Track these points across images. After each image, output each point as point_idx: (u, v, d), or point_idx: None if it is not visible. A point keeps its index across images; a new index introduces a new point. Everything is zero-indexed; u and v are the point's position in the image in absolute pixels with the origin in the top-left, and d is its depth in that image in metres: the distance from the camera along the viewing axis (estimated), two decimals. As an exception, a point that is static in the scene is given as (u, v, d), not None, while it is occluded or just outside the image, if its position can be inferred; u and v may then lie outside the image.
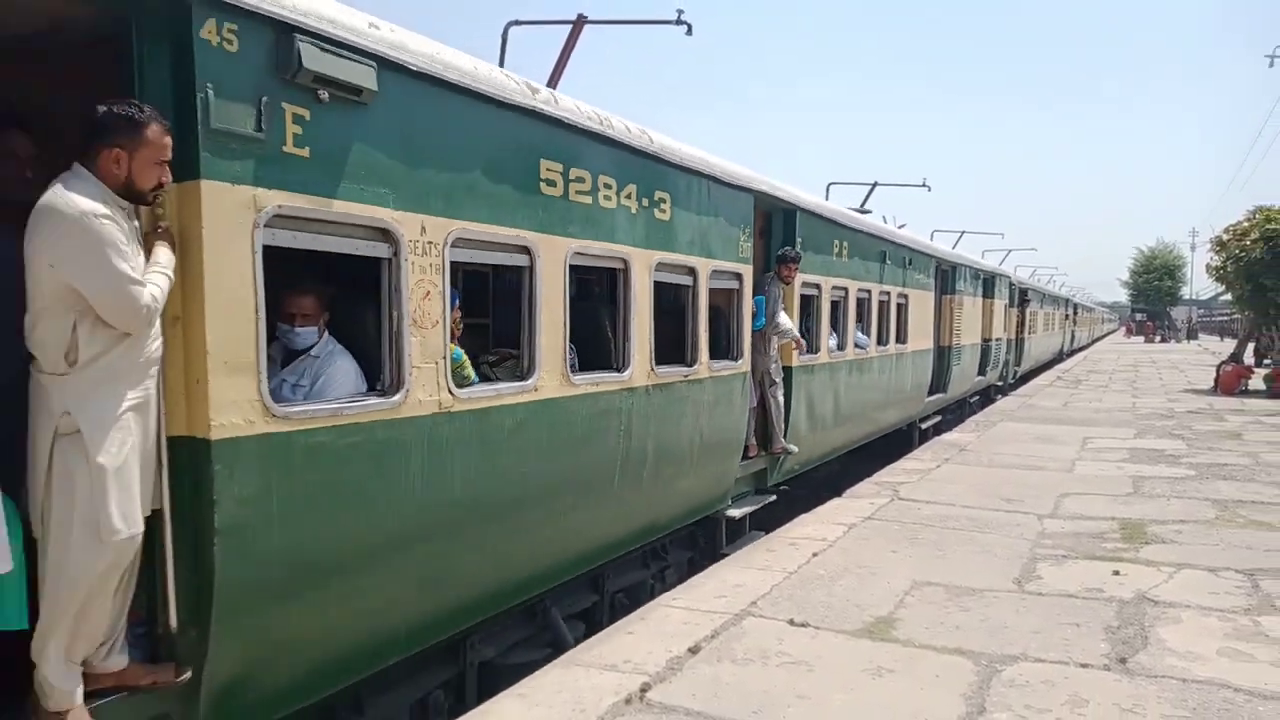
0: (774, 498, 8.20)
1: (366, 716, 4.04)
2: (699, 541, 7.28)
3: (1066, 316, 39.96)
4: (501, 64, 8.24)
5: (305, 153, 3.30)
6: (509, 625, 5.09)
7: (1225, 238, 21.54)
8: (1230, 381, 20.25)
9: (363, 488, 3.64)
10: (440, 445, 4.00)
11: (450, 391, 4.04)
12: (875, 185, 21.97)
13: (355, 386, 3.77)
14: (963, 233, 31.24)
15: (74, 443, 2.70)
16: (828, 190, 20.92)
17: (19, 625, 2.75)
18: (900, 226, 13.93)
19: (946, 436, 12.90)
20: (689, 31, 8.39)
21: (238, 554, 3.12)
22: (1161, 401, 18.04)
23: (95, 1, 2.94)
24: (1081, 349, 47.57)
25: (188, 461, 3.04)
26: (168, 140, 2.83)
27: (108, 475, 2.71)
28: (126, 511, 2.77)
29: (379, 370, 3.81)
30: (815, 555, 6.26)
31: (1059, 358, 35.87)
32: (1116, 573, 5.80)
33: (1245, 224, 21.32)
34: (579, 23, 7.66)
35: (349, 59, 3.41)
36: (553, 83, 7.80)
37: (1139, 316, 74.14)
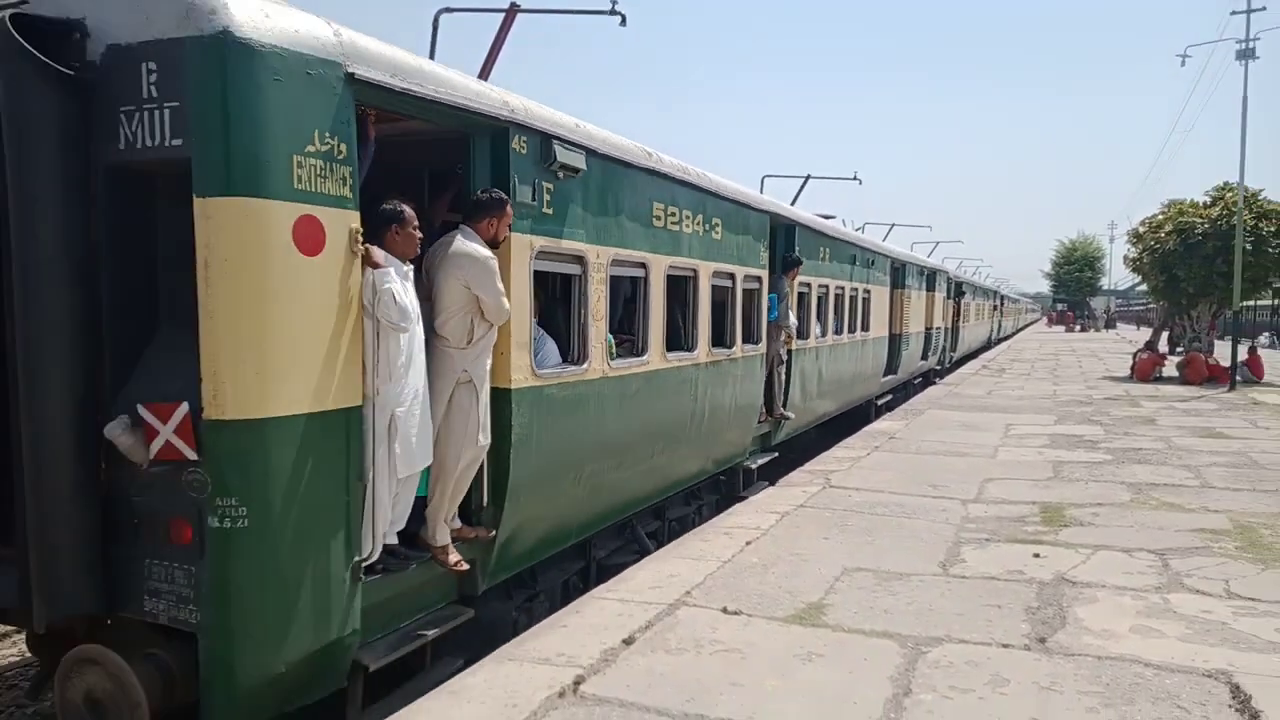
0: (776, 454, 9.94)
1: (539, 585, 5.75)
2: (721, 488, 8.88)
3: (995, 307, 43.87)
4: (432, 54, 8.11)
5: (551, 212, 5.15)
6: (608, 536, 6.70)
7: (1141, 230, 22.39)
8: (1145, 369, 21.07)
9: (568, 423, 5.42)
10: (602, 399, 5.82)
11: (608, 363, 5.89)
12: (808, 178, 22.19)
13: (557, 359, 5.44)
14: (892, 225, 31.78)
15: (468, 389, 4.42)
16: (762, 183, 21.37)
17: (422, 493, 4.40)
18: (828, 219, 14.35)
19: (877, 425, 13.17)
20: (623, 22, 8.36)
21: (520, 460, 4.89)
22: (1081, 389, 18.69)
23: (461, 124, 4.62)
24: (1007, 337, 50.73)
25: (498, 403, 4.69)
26: (510, 212, 4.59)
27: (483, 408, 4.48)
28: (487, 430, 4.52)
29: (568, 349, 5.57)
30: (749, 544, 6.33)
31: (988, 345, 39.13)
32: (1037, 555, 6.01)
33: (1160, 217, 22.19)
34: (511, 11, 7.57)
35: (574, 150, 5.28)
36: (484, 74, 7.70)
37: (1060, 307, 76.68)
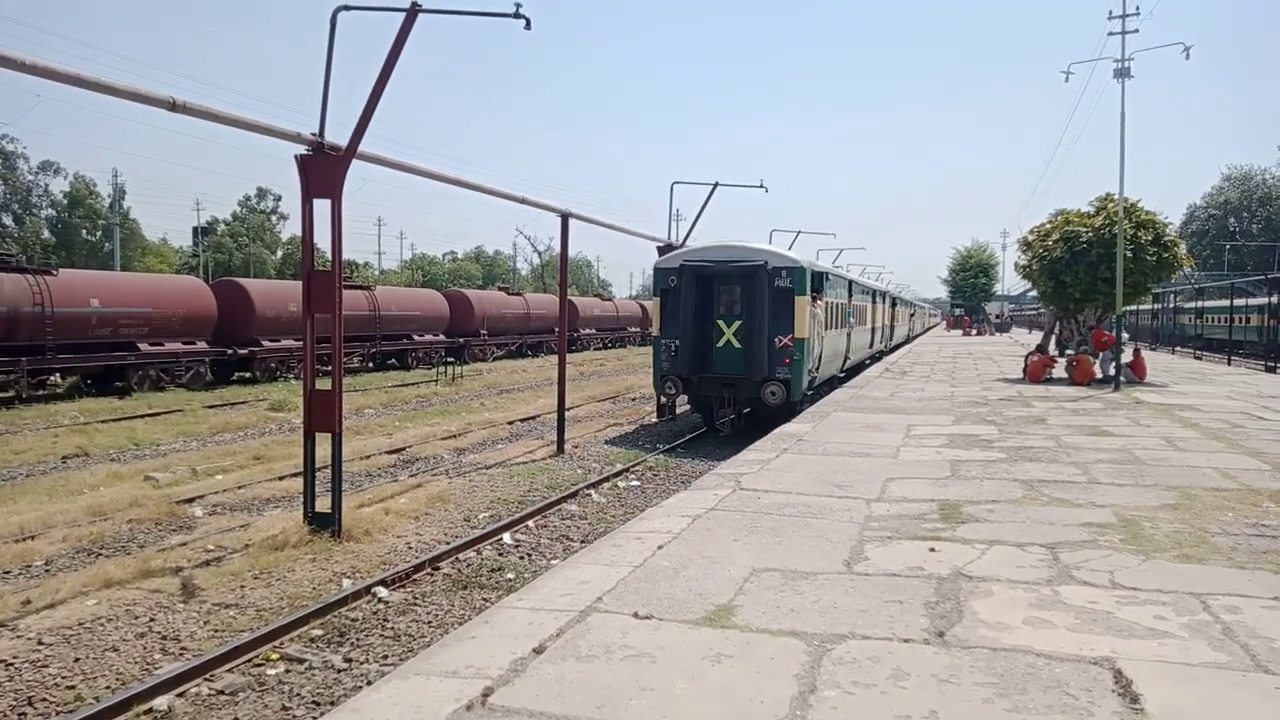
0: (811, 391, 18.96)
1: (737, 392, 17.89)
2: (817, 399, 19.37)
3: (911, 314, 62.29)
4: (330, 52, 7.92)
5: (814, 298, 18.33)
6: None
7: (1030, 238, 23.46)
8: (1037, 370, 22.07)
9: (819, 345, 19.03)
10: (823, 341, 19.77)
11: (824, 334, 19.68)
12: (716, 185, 22.71)
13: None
14: (799, 232, 32.77)
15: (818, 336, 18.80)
16: (671, 189, 22.33)
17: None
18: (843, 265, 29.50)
19: (786, 428, 13.42)
20: (528, 25, 8.33)
21: (806, 356, 17.54)
22: (977, 390, 19.45)
23: (787, 265, 17.64)
24: (917, 335, 63.72)
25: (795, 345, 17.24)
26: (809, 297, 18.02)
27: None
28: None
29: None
30: (660, 548, 6.36)
31: (906, 340, 52.69)
32: (934, 550, 6.21)
33: (1048, 225, 23.30)
34: (412, 11, 7.45)
35: (828, 274, 21.36)
36: (384, 75, 7.54)
37: (958, 311, 79.73)
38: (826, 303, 20.23)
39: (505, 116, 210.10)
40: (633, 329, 60.56)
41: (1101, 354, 21.53)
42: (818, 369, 19.28)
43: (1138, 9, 21.04)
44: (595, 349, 53.15)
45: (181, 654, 6.55)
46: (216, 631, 7.00)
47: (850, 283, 25.50)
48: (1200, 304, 46.65)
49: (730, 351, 17.46)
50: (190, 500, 11.41)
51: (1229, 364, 31.80)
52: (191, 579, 8.10)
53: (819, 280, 19.12)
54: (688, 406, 19.30)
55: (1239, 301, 42.07)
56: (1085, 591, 5.32)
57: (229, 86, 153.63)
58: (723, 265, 17.34)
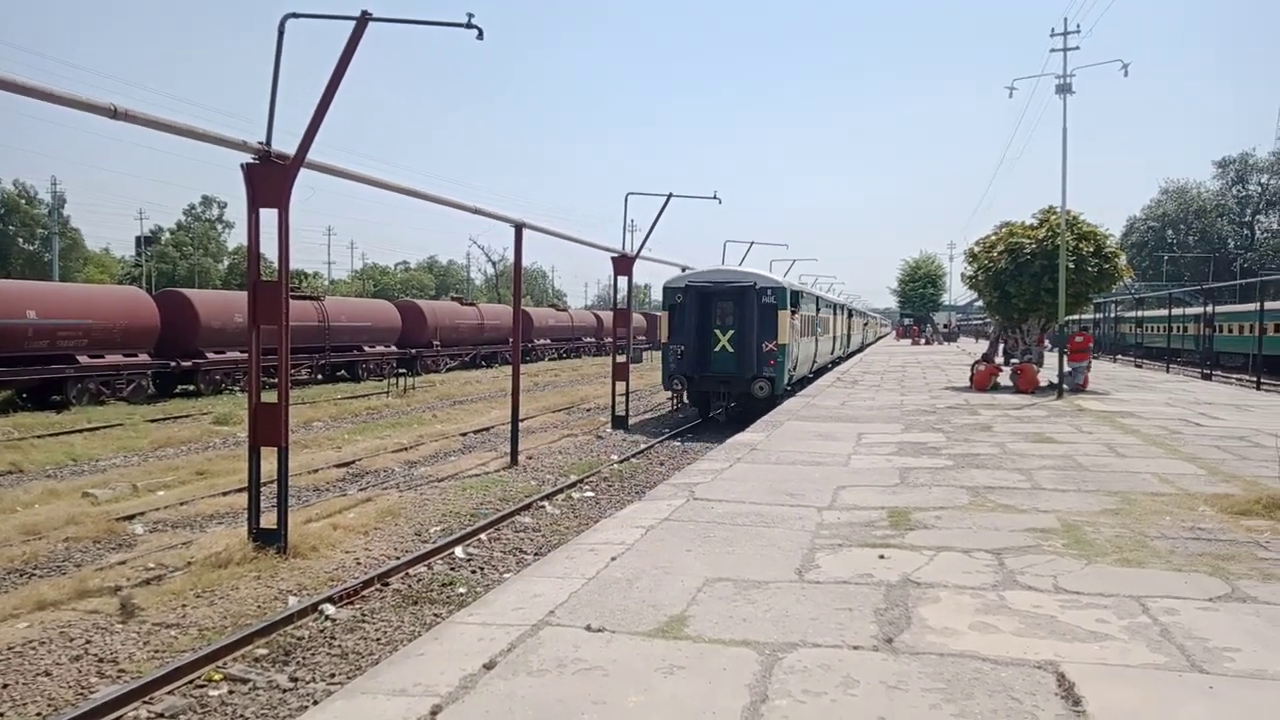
0: (790, 387, 22.53)
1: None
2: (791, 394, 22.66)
3: (865, 324, 66.00)
4: (277, 59, 7.81)
5: (793, 312, 22.58)
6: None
7: (976, 250, 23.95)
8: (983, 379, 22.51)
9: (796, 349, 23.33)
10: (799, 346, 23.60)
11: (799, 340, 23.43)
12: (671, 196, 22.77)
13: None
14: (751, 243, 33.02)
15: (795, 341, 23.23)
16: (626, 200, 22.52)
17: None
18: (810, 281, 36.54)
19: (740, 437, 13.50)
20: (480, 35, 8.30)
21: (786, 358, 21.46)
22: (925, 399, 19.77)
23: (772, 286, 21.80)
24: (869, 344, 66.79)
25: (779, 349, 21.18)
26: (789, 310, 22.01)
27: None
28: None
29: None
30: (614, 559, 6.34)
31: (860, 348, 56.37)
32: (883, 557, 6.28)
33: (993, 238, 23.81)
34: (362, 20, 7.37)
35: (802, 292, 25.31)
36: (333, 83, 7.45)
37: (907, 321, 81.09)
38: (801, 315, 24.46)
39: (462, 131, 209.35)
40: (588, 339, 60.45)
41: (1077, 363, 21.93)
42: (795, 368, 23.43)
43: (1078, 27, 21.71)
44: (550, 359, 52.94)
45: (119, 677, 6.34)
46: (157, 653, 6.79)
47: (818, 298, 31.37)
48: (1140, 314, 48.08)
49: (725, 355, 21.44)
50: (130, 517, 11.08)
51: (1168, 371, 32.78)
52: (131, 599, 7.85)
53: (796, 297, 23.37)
54: (686, 400, 23.37)
55: (1177, 311, 43.39)
56: (1030, 596, 5.42)
57: (196, 100, 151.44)
58: (720, 285, 21.60)
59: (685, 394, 22.39)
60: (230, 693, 6.08)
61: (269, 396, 9.27)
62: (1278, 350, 31.41)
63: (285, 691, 6.11)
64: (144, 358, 25.56)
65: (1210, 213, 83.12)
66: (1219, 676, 4.19)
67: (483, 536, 10.41)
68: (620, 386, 21.07)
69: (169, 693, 5.98)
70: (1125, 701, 3.90)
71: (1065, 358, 21.54)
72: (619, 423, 20.96)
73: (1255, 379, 25.41)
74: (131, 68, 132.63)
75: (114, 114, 7.42)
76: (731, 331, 21.42)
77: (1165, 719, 3.78)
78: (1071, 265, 21.11)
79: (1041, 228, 22.69)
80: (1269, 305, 30.63)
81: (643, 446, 17.89)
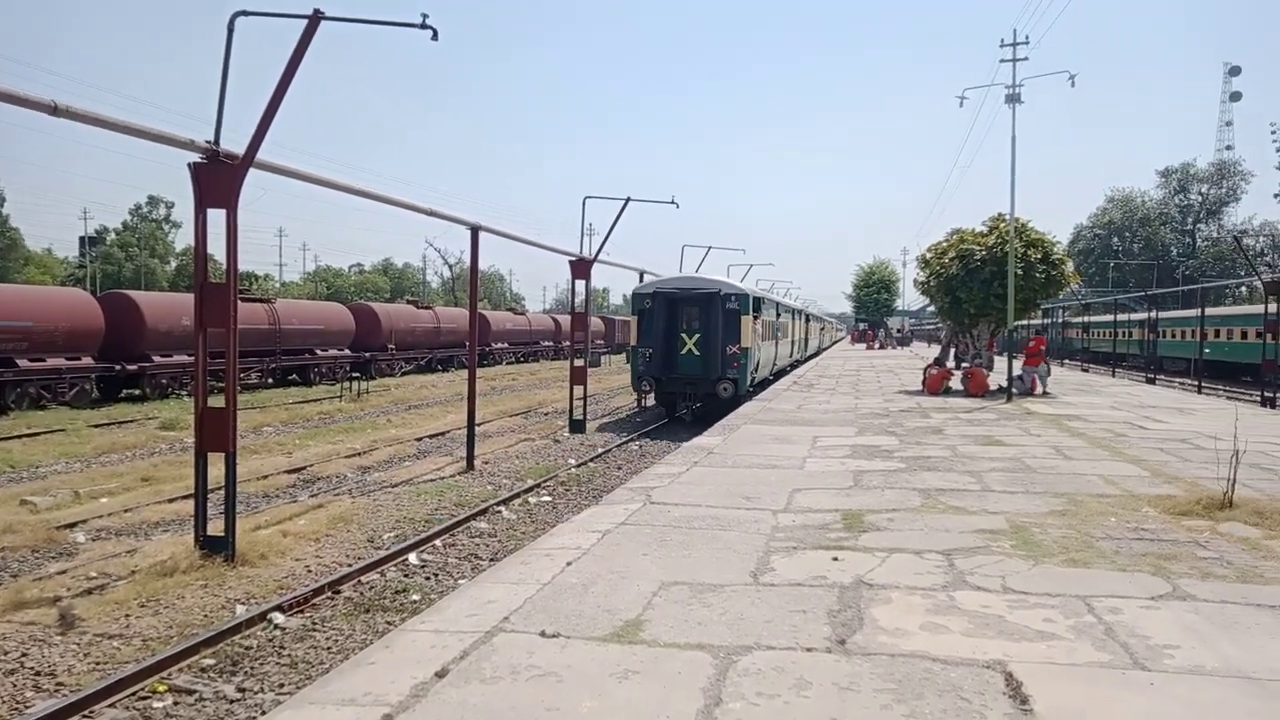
0: (752, 388, 23.81)
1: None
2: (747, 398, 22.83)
3: (821, 329, 67.20)
4: (227, 57, 7.66)
5: (755, 317, 23.55)
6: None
7: (929, 256, 24.34)
8: (935, 383, 22.86)
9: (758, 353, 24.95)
10: (760, 349, 25.06)
11: (760, 344, 24.75)
12: (629, 200, 22.80)
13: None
14: (709, 248, 33.22)
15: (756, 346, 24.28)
16: (584, 203, 22.58)
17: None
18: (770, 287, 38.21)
19: (697, 440, 13.53)
20: (434, 36, 8.22)
21: (749, 361, 22.74)
22: (879, 402, 20.02)
23: (737, 293, 22.80)
24: (825, 348, 68.29)
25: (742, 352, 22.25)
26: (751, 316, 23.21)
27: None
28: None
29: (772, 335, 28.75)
30: (569, 564, 6.30)
31: (817, 352, 57.17)
32: (836, 559, 6.34)
33: (944, 244, 24.22)
34: (314, 19, 7.26)
35: (763, 298, 26.62)
36: (284, 82, 7.33)
37: (862, 326, 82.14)
38: (763, 320, 25.55)
39: (417, 134, 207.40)
40: (546, 343, 60.24)
41: (1031, 367, 22.35)
42: (757, 370, 24.79)
43: (1027, 39, 22.19)
44: (508, 363, 52.67)
45: (57, 690, 6.15)
46: (98, 665, 6.59)
47: (777, 304, 32.70)
48: (1087, 319, 49.26)
49: (691, 358, 22.36)
50: (72, 525, 10.76)
51: (1114, 375, 33.60)
52: (71, 609, 7.62)
53: (758, 303, 24.52)
54: (652, 402, 24.34)
55: (1122, 316, 44.50)
56: (979, 596, 5.51)
57: (153, 101, 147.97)
58: (687, 292, 22.57)
59: (653, 394, 23.14)
60: (175, 704, 5.93)
61: (217, 401, 9.08)
62: (1219, 355, 32.40)
63: (232, 702, 5.97)
64: (88, 361, 24.90)
65: (1154, 221, 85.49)
66: (1159, 673, 4.30)
67: (438, 542, 10.30)
68: (578, 390, 21.02)
69: (110, 705, 5.81)
70: (1071, 699, 3.98)
71: (1020, 362, 21.97)
72: (577, 427, 20.89)
73: (1197, 383, 26.18)
74: (85, 67, 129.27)
75: (54, 110, 7.21)
76: (698, 335, 22.27)
77: (1109, 716, 3.86)
78: (1020, 271, 21.55)
79: (991, 235, 23.14)
80: (1210, 311, 31.58)
81: (600, 450, 17.85)
